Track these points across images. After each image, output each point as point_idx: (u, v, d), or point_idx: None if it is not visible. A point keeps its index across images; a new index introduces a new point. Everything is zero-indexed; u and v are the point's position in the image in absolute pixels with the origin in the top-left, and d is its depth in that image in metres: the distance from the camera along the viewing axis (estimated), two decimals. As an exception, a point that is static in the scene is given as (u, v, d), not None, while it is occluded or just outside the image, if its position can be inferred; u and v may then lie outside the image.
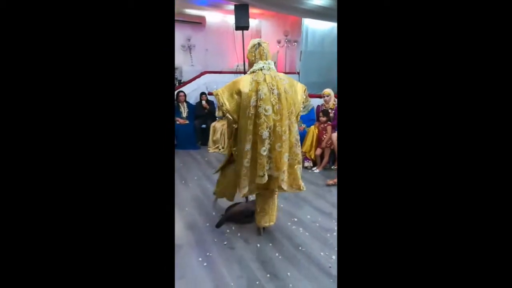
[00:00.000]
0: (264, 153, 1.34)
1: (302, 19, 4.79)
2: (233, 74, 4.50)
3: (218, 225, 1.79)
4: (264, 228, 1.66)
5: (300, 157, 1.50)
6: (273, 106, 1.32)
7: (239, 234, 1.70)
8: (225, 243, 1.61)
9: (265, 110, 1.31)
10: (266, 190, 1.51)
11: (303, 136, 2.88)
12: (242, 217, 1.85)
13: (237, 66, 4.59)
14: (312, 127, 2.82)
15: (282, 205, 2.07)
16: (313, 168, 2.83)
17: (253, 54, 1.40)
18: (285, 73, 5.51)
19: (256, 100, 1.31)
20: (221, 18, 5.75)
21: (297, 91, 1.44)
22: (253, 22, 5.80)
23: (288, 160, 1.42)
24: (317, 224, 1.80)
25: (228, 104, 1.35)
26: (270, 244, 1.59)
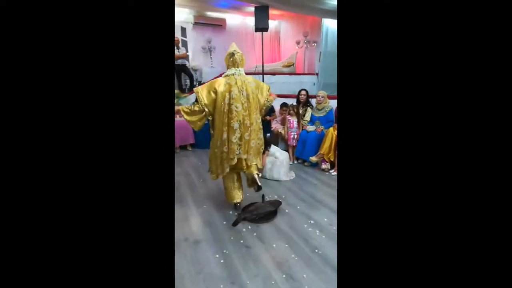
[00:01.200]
0: (235, 141, 1.71)
1: (322, 19, 4.73)
2: (251, 76, 4.54)
3: (234, 224, 1.82)
4: (239, 204, 1.96)
5: (262, 141, 1.89)
6: (242, 104, 1.68)
7: (255, 234, 1.71)
8: (241, 241, 1.63)
9: (236, 107, 1.67)
10: (235, 170, 1.86)
11: (321, 138, 2.85)
12: (258, 217, 1.87)
13: (256, 67, 4.63)
14: (331, 128, 2.77)
15: (298, 207, 2.06)
16: (331, 171, 2.78)
17: (229, 60, 1.74)
18: (304, 74, 5.48)
19: (229, 99, 1.66)
20: (241, 20, 5.83)
21: (262, 91, 1.81)
22: (272, 24, 5.82)
23: (256, 145, 1.81)
24: (334, 227, 1.77)
25: (205, 99, 1.70)
26: (286, 245, 1.59)
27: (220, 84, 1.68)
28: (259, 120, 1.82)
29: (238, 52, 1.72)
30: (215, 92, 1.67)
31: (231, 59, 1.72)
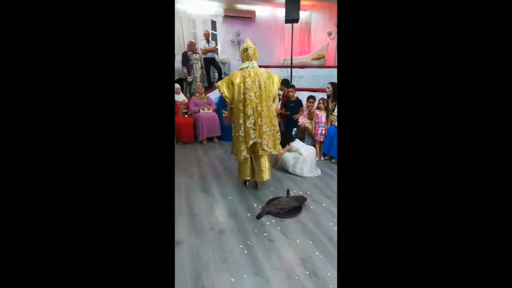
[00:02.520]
0: (249, 125, 1.97)
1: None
2: (279, 69, 4.47)
3: (258, 217, 1.83)
4: (259, 184, 2.21)
5: (277, 128, 2.12)
6: (255, 93, 1.93)
7: (278, 228, 1.71)
8: (265, 234, 1.64)
9: (249, 96, 1.92)
10: (254, 153, 2.11)
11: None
12: (282, 212, 1.86)
13: (284, 60, 4.54)
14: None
15: (324, 204, 2.00)
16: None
17: (243, 55, 2.01)
18: (334, 67, 5.26)
19: (244, 89, 1.92)
20: (270, 12, 5.74)
21: (274, 81, 2.02)
22: (302, 15, 5.63)
23: (269, 130, 2.04)
24: (362, 228, 1.70)
25: (226, 92, 1.99)
26: (310, 242, 1.57)
27: (236, 77, 1.94)
28: (272, 108, 2.05)
29: (251, 47, 1.98)
30: (233, 84, 1.95)
31: (245, 54, 1.98)
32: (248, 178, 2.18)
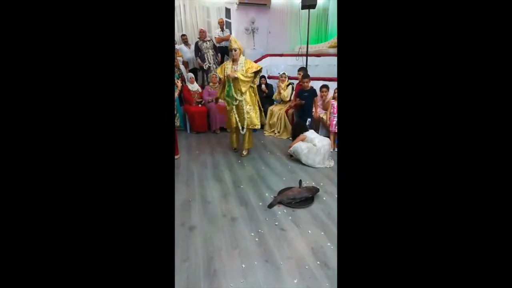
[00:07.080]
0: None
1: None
2: (294, 57, 4.34)
3: (270, 206, 1.84)
4: (244, 151, 2.86)
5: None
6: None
7: (290, 218, 1.71)
8: (276, 223, 1.65)
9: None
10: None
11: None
12: (293, 202, 1.86)
13: (300, 48, 4.40)
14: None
15: (337, 196, 1.97)
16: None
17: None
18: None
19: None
20: (286, -2, 5.53)
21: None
22: (320, 0, 5.38)
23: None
24: (376, 221, 1.66)
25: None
26: (322, 233, 1.56)
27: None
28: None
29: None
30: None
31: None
32: (236, 146, 2.92)
